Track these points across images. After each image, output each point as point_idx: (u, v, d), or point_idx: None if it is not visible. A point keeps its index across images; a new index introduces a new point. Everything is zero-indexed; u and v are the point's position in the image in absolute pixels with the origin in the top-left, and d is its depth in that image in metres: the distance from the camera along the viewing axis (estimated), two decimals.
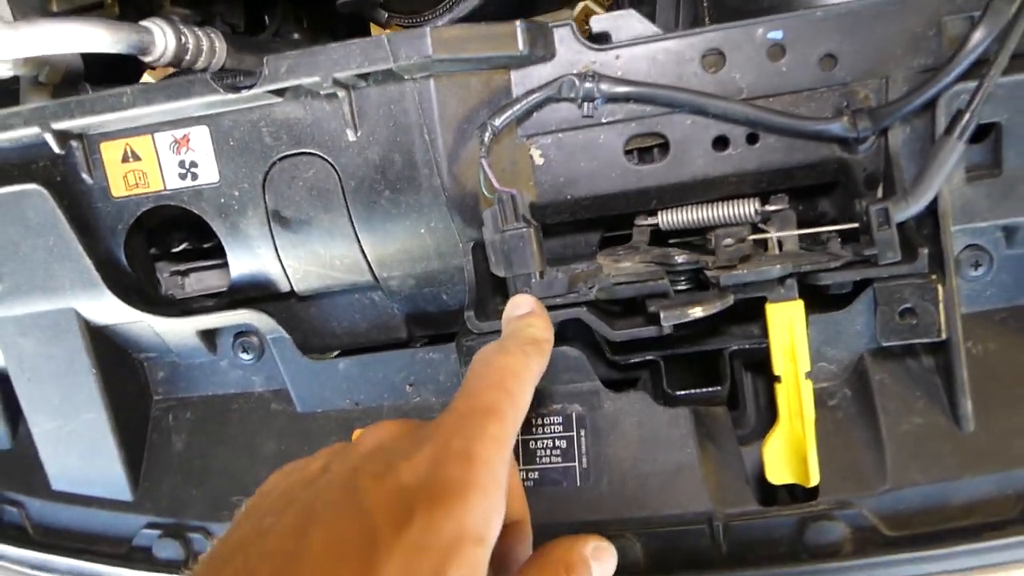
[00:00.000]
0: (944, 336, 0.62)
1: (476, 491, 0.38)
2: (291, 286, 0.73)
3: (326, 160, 0.66)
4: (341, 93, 0.62)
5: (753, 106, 0.63)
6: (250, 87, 0.62)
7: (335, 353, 0.78)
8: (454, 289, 0.72)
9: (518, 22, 0.62)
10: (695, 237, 0.72)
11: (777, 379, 0.64)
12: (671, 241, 0.72)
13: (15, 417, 0.84)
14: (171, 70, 0.73)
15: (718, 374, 0.72)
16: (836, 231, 0.64)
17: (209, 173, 0.68)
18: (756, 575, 0.64)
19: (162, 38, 0.62)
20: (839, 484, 0.65)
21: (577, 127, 0.66)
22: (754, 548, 0.65)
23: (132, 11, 0.81)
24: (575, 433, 0.69)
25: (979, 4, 0.59)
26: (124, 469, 0.78)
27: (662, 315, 0.60)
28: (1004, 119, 0.61)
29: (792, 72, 0.63)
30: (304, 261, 0.70)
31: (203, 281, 0.87)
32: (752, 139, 0.65)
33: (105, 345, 0.77)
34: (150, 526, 0.78)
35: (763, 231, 0.66)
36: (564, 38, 0.64)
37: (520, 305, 0.56)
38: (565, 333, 0.71)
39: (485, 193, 0.61)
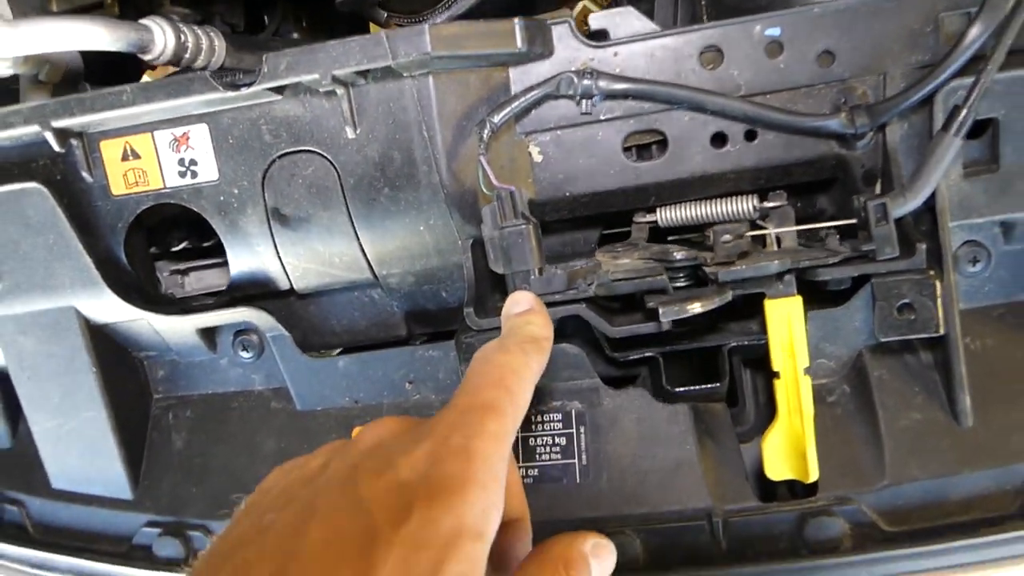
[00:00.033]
0: (942, 332, 0.62)
1: (475, 487, 0.38)
2: (290, 284, 0.73)
3: (325, 158, 0.66)
4: (340, 90, 0.62)
5: (751, 103, 0.63)
6: (249, 85, 0.62)
7: (337, 351, 0.78)
8: (453, 286, 0.72)
9: (516, 19, 0.62)
10: (694, 234, 0.72)
11: (776, 375, 0.64)
12: (670, 238, 0.72)
13: (15, 416, 0.84)
14: (171, 70, 0.74)
15: (717, 371, 0.72)
16: (834, 227, 0.64)
17: (208, 171, 0.68)
18: (756, 571, 0.64)
19: (161, 36, 0.63)
20: (838, 480, 0.65)
21: (576, 124, 0.66)
22: (754, 544, 0.65)
23: (132, 11, 0.82)
24: (575, 430, 0.69)
25: (976, 0, 0.59)
26: (124, 467, 0.78)
27: (661, 311, 0.60)
28: (1001, 115, 0.61)
29: (790, 68, 0.64)
30: (303, 259, 0.70)
31: (203, 280, 0.87)
32: (750, 136, 0.65)
33: (105, 343, 0.77)
34: (150, 524, 0.78)
35: (761, 227, 0.66)
36: (562, 35, 0.65)
37: (519, 302, 0.56)
38: (564, 330, 0.71)
39: (484, 190, 0.61)
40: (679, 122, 0.65)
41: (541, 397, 0.71)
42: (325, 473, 0.41)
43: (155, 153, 0.68)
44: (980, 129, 0.63)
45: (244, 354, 0.78)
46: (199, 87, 0.63)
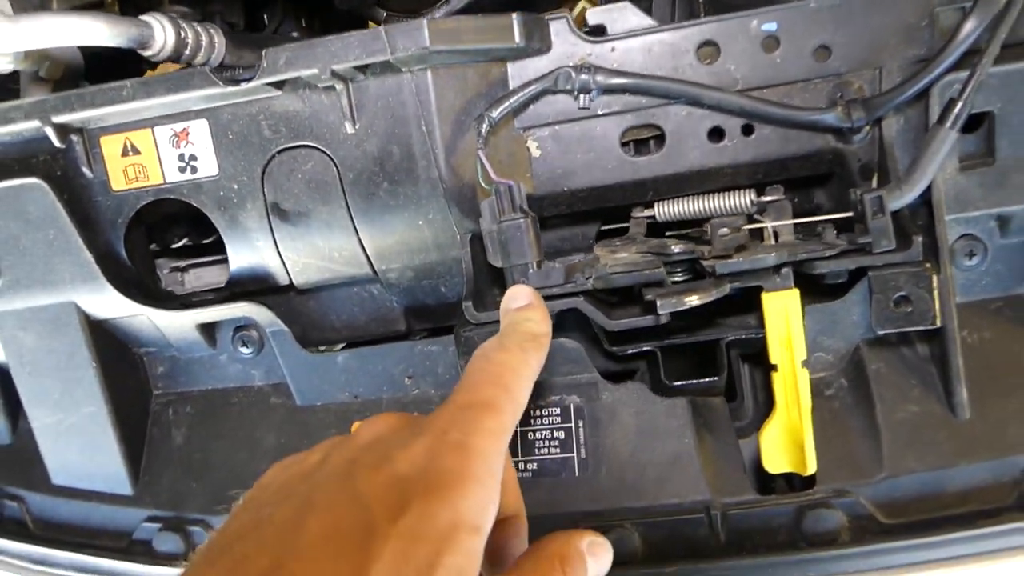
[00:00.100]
0: (939, 323, 0.62)
1: (472, 482, 0.38)
2: (290, 279, 0.73)
3: (325, 153, 0.66)
4: (339, 85, 0.63)
5: (748, 97, 0.64)
6: (249, 80, 0.62)
7: (340, 346, 0.78)
8: (452, 281, 0.73)
9: (514, 14, 0.62)
10: (691, 229, 0.72)
11: (773, 368, 0.64)
12: (668, 233, 0.73)
13: (15, 412, 0.84)
14: (171, 68, 0.74)
15: (715, 365, 0.72)
16: (831, 220, 0.65)
17: (208, 166, 0.68)
18: (754, 563, 0.65)
19: (161, 32, 0.63)
20: (836, 472, 0.65)
21: (573, 119, 0.67)
22: (752, 537, 0.66)
23: (132, 9, 0.82)
24: (573, 424, 0.69)
25: None
26: (124, 463, 0.78)
27: (659, 303, 0.60)
28: (997, 108, 0.62)
29: (786, 63, 0.64)
30: (303, 254, 0.71)
31: (202, 278, 0.87)
32: (747, 130, 0.66)
33: (105, 339, 0.77)
34: (150, 520, 0.78)
35: (759, 221, 0.66)
36: (560, 31, 0.65)
37: (517, 297, 0.56)
38: (563, 324, 0.71)
39: (483, 184, 0.62)
40: (676, 117, 0.66)
41: (540, 391, 0.71)
42: (323, 468, 0.41)
43: (155, 148, 0.69)
44: (976, 123, 0.63)
45: (244, 350, 0.78)
46: (199, 82, 0.63)
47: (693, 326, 0.72)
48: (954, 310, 0.63)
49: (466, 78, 0.64)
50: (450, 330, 0.72)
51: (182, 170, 0.69)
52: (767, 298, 0.63)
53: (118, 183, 0.70)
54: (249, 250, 0.71)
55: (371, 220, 0.68)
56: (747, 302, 0.67)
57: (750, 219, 0.67)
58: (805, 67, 0.64)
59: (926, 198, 0.63)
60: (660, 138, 0.67)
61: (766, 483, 0.70)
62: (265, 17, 0.97)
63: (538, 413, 0.70)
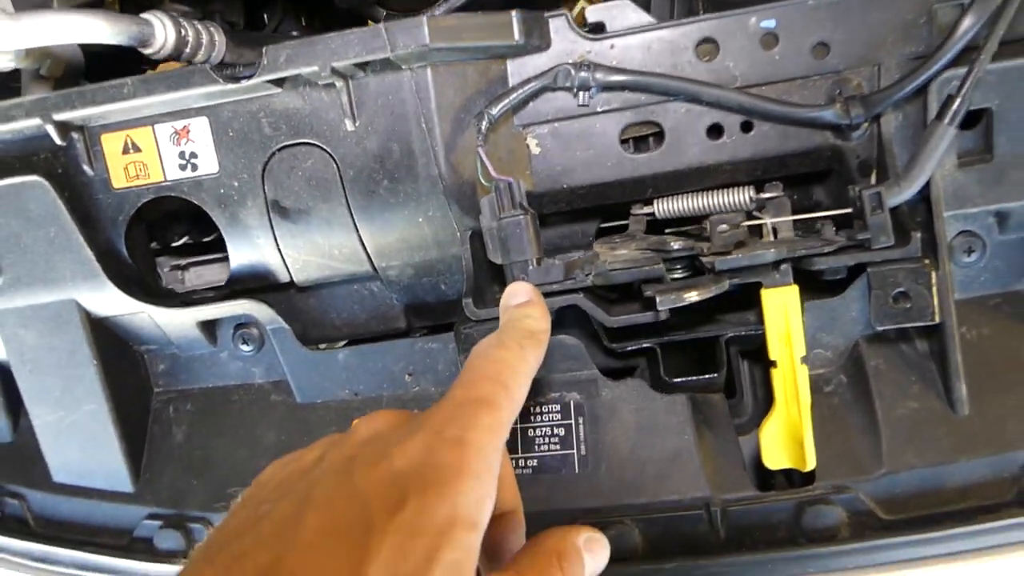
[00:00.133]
0: (938, 320, 0.62)
1: (469, 477, 0.38)
2: (290, 276, 0.73)
3: (325, 150, 0.66)
4: (339, 83, 0.63)
5: (747, 94, 0.64)
6: (249, 77, 0.62)
7: (341, 343, 0.79)
8: (452, 279, 0.73)
9: (514, 12, 0.62)
10: (691, 226, 0.73)
11: (773, 364, 0.64)
12: (667, 230, 0.73)
13: (16, 410, 0.85)
14: (171, 68, 0.74)
15: (715, 361, 0.72)
16: (830, 217, 0.65)
17: (209, 164, 0.69)
18: (754, 560, 0.65)
19: (162, 30, 0.63)
20: (836, 468, 0.65)
21: (573, 116, 0.67)
22: (752, 533, 0.66)
23: (132, 8, 0.82)
24: (573, 421, 0.70)
25: None
26: (125, 461, 0.78)
27: (658, 299, 0.60)
28: (995, 105, 0.62)
29: (785, 60, 0.64)
30: (303, 251, 0.71)
31: (202, 276, 0.87)
32: (746, 127, 0.66)
33: (106, 337, 0.77)
34: (151, 517, 0.78)
35: (758, 218, 0.67)
36: (559, 28, 0.65)
37: (517, 294, 0.57)
38: (563, 321, 0.71)
39: (482, 181, 0.62)
40: (675, 114, 0.66)
41: (540, 388, 0.71)
42: (321, 465, 0.41)
43: (156, 146, 0.69)
44: (974, 120, 0.63)
45: (244, 347, 0.79)
46: (199, 79, 0.64)
47: (693, 323, 0.72)
48: (953, 306, 0.63)
49: (466, 75, 0.64)
50: (450, 327, 0.72)
51: (183, 168, 0.69)
52: (766, 294, 0.63)
53: (119, 181, 0.70)
54: (249, 248, 0.72)
55: (371, 217, 0.68)
56: (746, 299, 0.67)
57: (749, 216, 0.67)
58: (804, 64, 0.64)
59: (925, 194, 0.63)
60: (659, 135, 0.67)
61: (766, 479, 0.70)
62: (265, 16, 0.97)
63: (538, 410, 0.71)
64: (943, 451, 0.64)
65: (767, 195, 0.66)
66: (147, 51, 0.63)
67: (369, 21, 0.92)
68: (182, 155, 0.69)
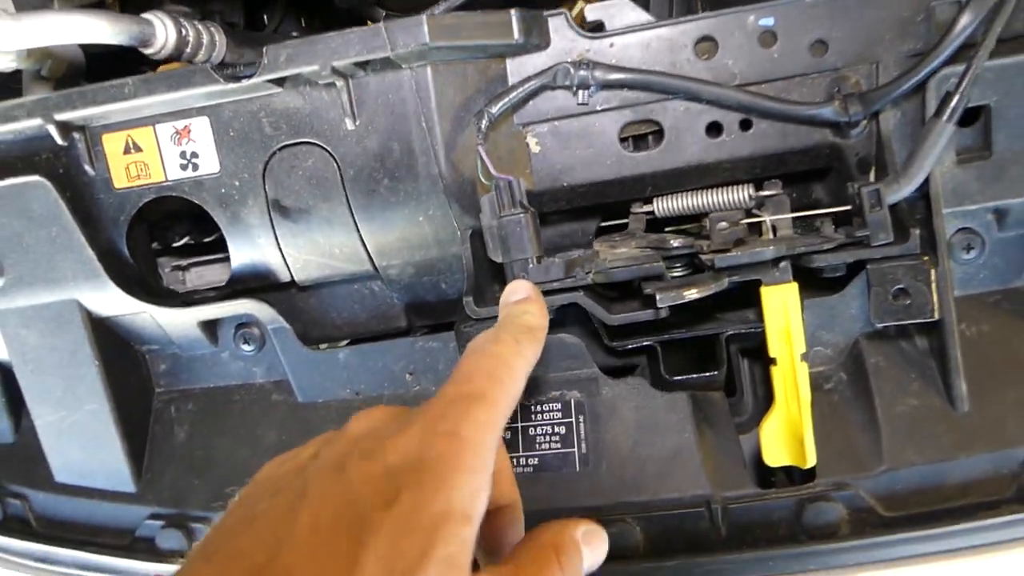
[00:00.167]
0: (937, 316, 0.63)
1: (462, 471, 0.38)
2: (291, 276, 0.73)
3: (325, 149, 0.67)
4: (339, 82, 0.63)
5: (746, 92, 0.64)
6: (250, 76, 0.63)
7: (342, 343, 0.79)
8: (453, 278, 0.73)
9: (513, 10, 0.62)
10: (690, 224, 0.73)
11: (773, 361, 0.64)
12: (667, 228, 0.73)
13: (18, 410, 0.85)
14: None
15: (715, 359, 0.72)
16: (829, 214, 0.65)
17: (210, 163, 0.69)
18: (755, 557, 0.65)
19: (163, 30, 0.63)
20: (836, 466, 0.65)
21: (572, 115, 0.67)
22: (753, 530, 0.66)
23: (132, 9, 0.82)
24: (574, 419, 0.70)
25: None
26: (127, 461, 0.78)
27: (658, 297, 0.61)
28: (993, 102, 0.62)
29: (784, 58, 0.64)
30: (304, 250, 0.71)
31: (203, 276, 0.88)
32: (745, 125, 0.66)
33: (108, 337, 0.77)
34: (153, 517, 0.78)
35: (757, 216, 0.67)
36: (559, 27, 0.65)
37: (516, 291, 0.57)
38: (563, 320, 0.72)
39: (483, 180, 0.62)
40: (674, 112, 0.66)
41: (541, 387, 0.71)
42: (316, 462, 0.42)
43: (157, 146, 0.69)
44: (972, 117, 0.64)
45: (245, 347, 0.79)
46: (200, 79, 0.64)
47: (693, 321, 0.72)
48: (952, 303, 0.63)
49: (466, 74, 0.65)
50: (451, 326, 0.72)
51: (183, 167, 0.69)
52: (766, 292, 0.64)
53: (120, 181, 0.71)
54: (250, 247, 0.72)
55: (372, 216, 0.68)
56: (746, 296, 0.67)
57: (749, 214, 0.67)
58: (802, 62, 0.64)
59: (924, 191, 0.63)
60: (659, 133, 0.67)
61: (766, 477, 0.70)
62: (265, 17, 0.97)
63: (539, 409, 0.71)
64: (943, 448, 0.64)
65: (766, 193, 0.67)
66: (148, 51, 0.64)
67: (368, 21, 0.92)
68: (183, 155, 0.69)
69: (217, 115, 0.68)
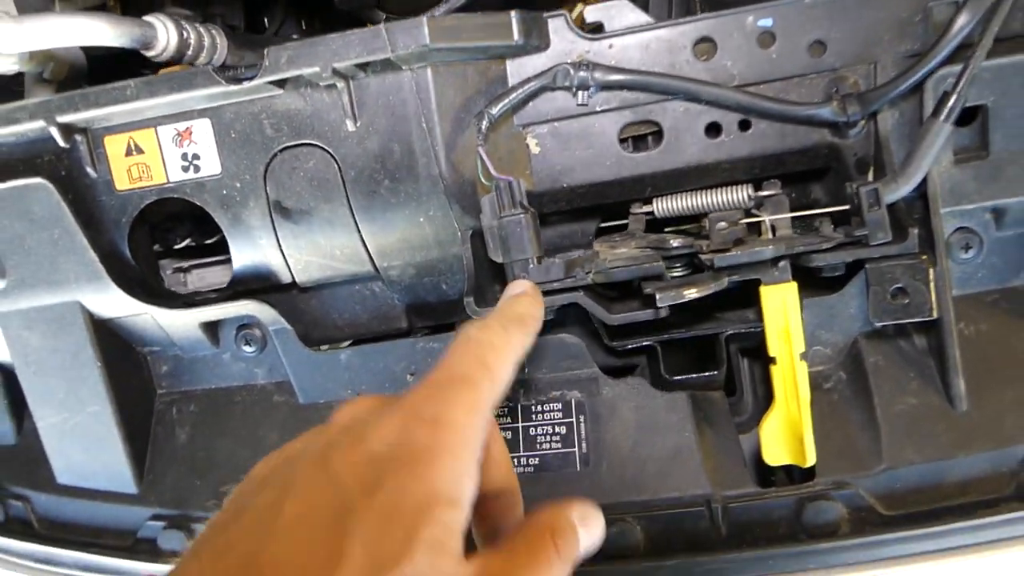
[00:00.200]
0: (936, 315, 0.63)
1: (446, 456, 0.38)
2: (292, 277, 0.74)
3: (326, 151, 0.67)
4: (340, 84, 0.63)
5: (745, 92, 0.64)
6: (251, 78, 0.63)
7: (344, 343, 0.79)
8: (453, 278, 0.73)
9: (513, 12, 0.63)
10: (690, 225, 0.73)
11: (772, 360, 0.65)
12: (667, 229, 0.73)
13: (20, 412, 0.85)
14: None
15: (715, 359, 0.73)
16: (828, 214, 0.65)
17: (211, 165, 0.69)
18: (755, 556, 0.65)
19: (164, 33, 0.64)
20: (835, 464, 0.66)
21: (572, 116, 0.67)
22: (753, 529, 0.66)
23: (134, 12, 0.83)
24: (574, 419, 0.70)
25: None
26: (128, 462, 0.78)
27: (658, 296, 0.61)
28: (990, 102, 0.62)
29: (782, 59, 0.65)
30: (305, 251, 0.71)
31: (204, 279, 0.88)
32: (744, 125, 0.66)
33: (110, 339, 0.77)
34: (155, 518, 0.78)
35: (756, 216, 0.67)
36: (558, 28, 0.66)
37: (515, 289, 0.57)
38: (563, 320, 0.72)
39: (483, 181, 0.62)
40: (674, 113, 0.66)
41: (541, 387, 0.71)
42: (303, 454, 0.41)
43: (158, 148, 0.69)
44: (970, 117, 0.64)
45: (247, 348, 0.79)
46: (202, 81, 0.64)
47: (692, 320, 0.72)
48: (950, 302, 0.63)
49: (466, 76, 0.65)
50: (452, 327, 0.73)
51: (185, 169, 0.69)
52: (765, 291, 0.64)
53: (122, 183, 0.71)
54: (252, 248, 0.72)
55: (372, 217, 0.68)
56: (746, 296, 0.68)
57: (748, 214, 0.68)
58: (801, 62, 0.65)
59: (922, 191, 0.64)
60: (658, 134, 0.68)
61: (766, 476, 0.70)
62: (265, 20, 0.98)
63: (539, 409, 0.71)
64: (942, 447, 0.64)
65: (765, 193, 0.67)
66: (150, 53, 0.64)
67: (368, 24, 0.92)
68: (184, 156, 0.69)
69: (218, 117, 0.68)
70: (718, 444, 0.69)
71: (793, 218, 0.67)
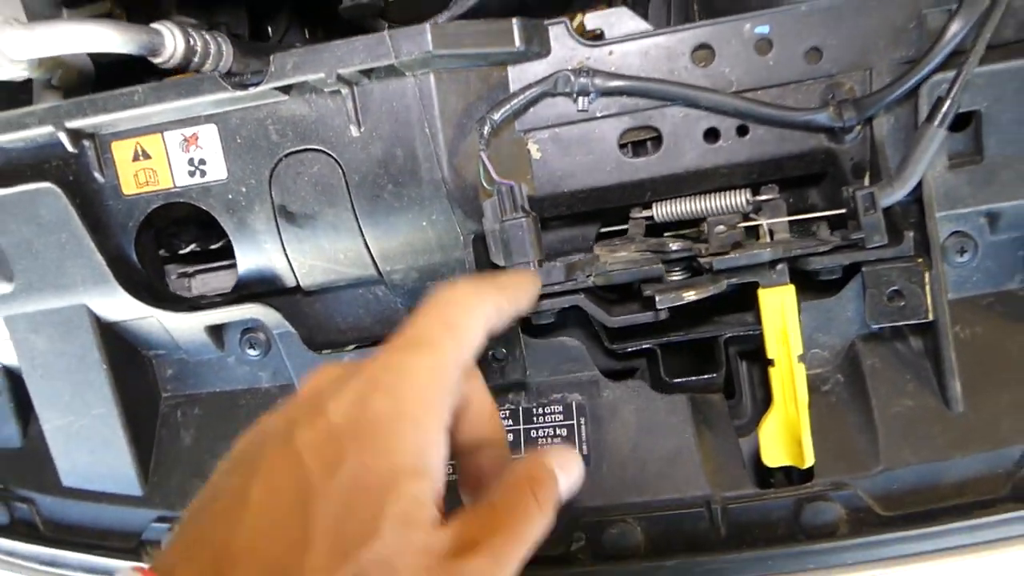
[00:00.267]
0: (932, 317, 0.64)
1: (406, 424, 0.37)
2: (297, 281, 0.74)
3: (330, 156, 0.68)
4: (344, 90, 0.64)
5: (742, 98, 0.65)
6: (257, 84, 0.64)
7: (347, 347, 0.79)
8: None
9: (515, 19, 0.64)
10: (689, 229, 0.74)
11: (771, 363, 0.65)
12: (666, 233, 0.74)
13: (26, 415, 0.86)
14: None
15: (714, 362, 0.73)
16: (825, 217, 0.66)
17: (217, 170, 0.70)
18: (754, 556, 0.65)
19: (171, 40, 0.65)
20: (833, 466, 0.66)
21: (573, 121, 0.68)
22: (752, 530, 0.67)
23: (140, 20, 0.84)
24: (575, 421, 0.71)
25: None
26: (134, 464, 0.79)
27: (657, 298, 0.62)
28: (984, 107, 0.63)
29: (779, 65, 0.65)
30: (309, 255, 0.72)
31: (208, 283, 0.88)
32: (742, 131, 0.67)
33: (116, 342, 0.78)
34: (160, 520, 0.79)
35: (755, 220, 0.68)
36: (559, 35, 0.67)
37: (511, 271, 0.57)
38: (564, 323, 0.73)
39: (485, 185, 0.63)
40: (673, 118, 0.67)
41: (542, 389, 0.72)
42: (270, 432, 0.40)
43: (165, 153, 0.70)
44: (964, 122, 0.65)
45: (251, 352, 0.80)
46: (208, 87, 0.65)
47: (691, 323, 0.73)
48: (946, 305, 0.64)
49: (468, 82, 0.66)
50: None
51: (191, 174, 0.70)
52: (763, 294, 0.65)
53: (129, 187, 0.72)
54: (257, 252, 0.73)
55: (376, 222, 0.69)
56: (744, 299, 0.68)
57: (746, 218, 0.68)
58: (797, 69, 0.65)
59: (917, 195, 0.64)
60: (657, 139, 0.68)
61: (765, 477, 0.71)
62: (269, 28, 0.99)
63: (540, 411, 0.72)
64: (939, 448, 0.65)
65: (763, 197, 0.68)
66: (157, 60, 0.65)
67: (371, 32, 0.93)
68: (191, 162, 0.70)
69: (225, 122, 0.69)
70: (717, 446, 0.69)
71: (791, 222, 0.67)
